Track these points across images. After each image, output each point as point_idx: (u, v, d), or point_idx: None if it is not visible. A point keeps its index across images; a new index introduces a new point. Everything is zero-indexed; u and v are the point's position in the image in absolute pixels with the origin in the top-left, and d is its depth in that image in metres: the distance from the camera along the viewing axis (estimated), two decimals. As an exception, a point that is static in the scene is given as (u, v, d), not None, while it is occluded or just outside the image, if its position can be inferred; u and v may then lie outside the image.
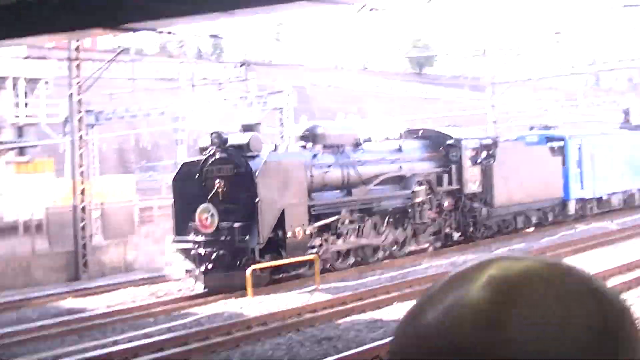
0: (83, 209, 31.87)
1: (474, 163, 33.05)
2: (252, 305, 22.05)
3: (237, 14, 15.36)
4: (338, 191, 27.49)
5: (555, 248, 31.06)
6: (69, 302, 24.50)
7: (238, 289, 23.15)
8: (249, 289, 22.77)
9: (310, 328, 19.32)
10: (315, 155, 26.78)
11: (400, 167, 29.94)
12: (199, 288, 24.52)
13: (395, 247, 29.67)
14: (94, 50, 55.40)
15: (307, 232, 25.51)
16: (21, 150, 43.26)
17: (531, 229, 36.57)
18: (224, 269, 23.87)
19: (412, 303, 1.28)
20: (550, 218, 38.33)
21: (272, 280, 24.79)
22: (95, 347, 18.15)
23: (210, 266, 24.12)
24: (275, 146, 26.69)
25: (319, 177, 26.53)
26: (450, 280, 1.24)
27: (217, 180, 24.63)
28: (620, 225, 37.75)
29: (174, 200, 25.92)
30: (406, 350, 1.22)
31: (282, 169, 25.10)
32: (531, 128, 44.30)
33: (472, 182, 32.85)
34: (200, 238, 24.47)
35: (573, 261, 26.68)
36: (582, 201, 40.87)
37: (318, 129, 27.96)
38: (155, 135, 63.15)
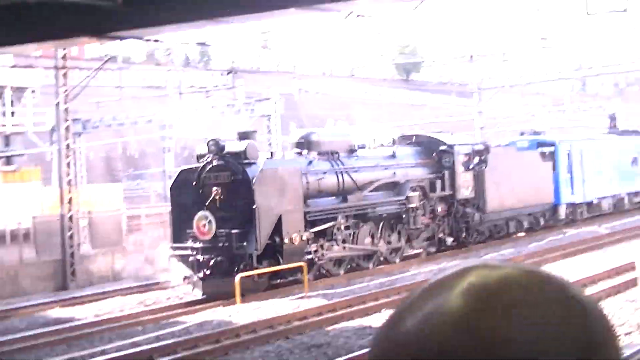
0: (70, 217, 31.78)
1: (467, 169, 33.29)
2: (241, 313, 22.01)
3: (223, 21, 15.37)
4: (333, 197, 27.71)
5: (543, 253, 31.11)
6: (57, 312, 24.41)
7: (233, 296, 23.24)
8: (238, 297, 22.78)
9: (299, 335, 19.31)
10: (310, 162, 27.05)
11: (394, 173, 30.22)
12: (198, 294, 24.63)
13: (390, 253, 29.82)
14: (81, 59, 55.31)
15: (304, 238, 25.73)
16: (8, 159, 43.13)
17: (522, 234, 36.69)
18: (222, 275, 24.03)
19: (400, 310, 1.27)
20: (542, 223, 38.59)
21: (270, 286, 25.02)
22: (83, 357, 18.10)
23: (208, 272, 24.29)
24: (271, 153, 27.10)
25: (314, 183, 26.78)
26: (429, 287, 1.24)
27: (215, 188, 24.88)
28: (610, 229, 37.89)
29: (172, 207, 26.24)
30: (386, 357, 1.22)
31: (279, 176, 25.37)
32: (522, 134, 44.66)
33: (465, 187, 33.10)
34: (198, 245, 24.72)
35: (562, 266, 26.78)
36: (572, 206, 41.16)
37: (313, 136, 28.27)
38: (142, 143, 63.06)
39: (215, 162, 25.12)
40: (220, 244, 24.38)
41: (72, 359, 17.95)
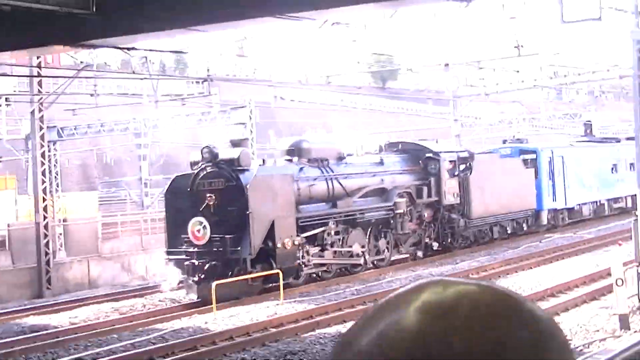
0: (46, 225, 31.68)
1: (452, 175, 33.87)
2: (218, 320, 22.01)
3: (198, 30, 15.39)
4: (324, 203, 28.24)
5: (517, 260, 31.22)
6: (32, 319, 24.30)
7: (230, 299, 23.88)
8: (214, 304, 22.81)
9: (275, 342, 19.32)
10: (301, 169, 27.59)
11: (382, 180, 30.82)
12: (192, 298, 24.93)
13: (377, 258, 30.32)
14: (57, 67, 55.09)
15: (296, 242, 26.22)
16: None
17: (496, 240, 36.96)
18: (216, 279, 24.18)
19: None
20: (525, 228, 39.10)
21: (263, 290, 25.39)
22: (58, 365, 18.02)
23: (202, 276, 24.63)
24: (263, 160, 27.56)
25: (305, 190, 27.36)
26: (385, 304, 1.25)
27: (209, 194, 25.39)
28: (587, 235, 38.15)
29: (166, 213, 26.78)
30: None
31: (272, 182, 25.92)
32: (504, 141, 45.23)
33: (450, 194, 33.64)
34: (192, 249, 25.15)
35: (537, 273, 26.87)
36: (554, 212, 41.76)
37: (303, 143, 28.70)
38: (118, 150, 62.92)
39: (209, 169, 25.66)
40: (215, 249, 24.89)
41: (47, 367, 17.87)
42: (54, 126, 38.65)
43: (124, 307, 25.12)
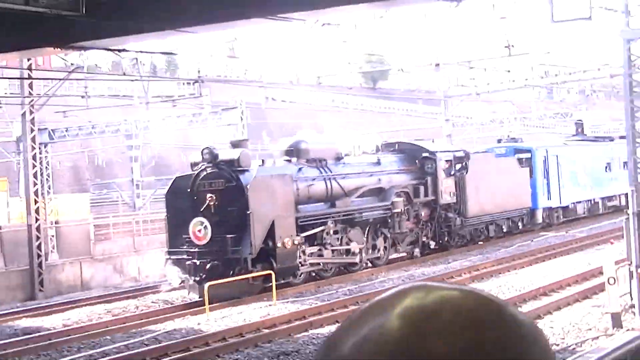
0: (38, 227, 31.64)
1: (448, 175, 34.18)
2: (210, 321, 22.01)
3: (187, 31, 15.39)
4: (322, 203, 28.52)
5: (510, 260, 31.26)
6: (25, 321, 24.27)
7: (230, 298, 24.17)
8: (207, 305, 22.83)
9: (268, 343, 19.32)
10: (300, 169, 27.85)
11: (379, 180, 31.12)
12: (194, 297, 25.04)
13: (374, 256, 30.62)
14: (47, 69, 55.03)
15: (296, 242, 26.47)
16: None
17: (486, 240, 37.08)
18: (217, 278, 24.41)
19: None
20: (520, 226, 39.42)
21: (263, 289, 25.48)
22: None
23: (204, 276, 24.80)
24: (263, 161, 27.78)
25: (304, 190, 27.63)
26: (368, 309, 1.26)
27: (209, 194, 25.63)
28: (580, 234, 38.31)
29: (167, 214, 26.96)
30: None
31: (271, 182, 26.19)
32: (499, 140, 45.49)
33: (447, 193, 33.95)
34: (194, 249, 25.43)
35: (530, 272, 26.88)
36: (549, 210, 42.10)
37: (302, 144, 28.88)
38: (110, 152, 62.83)
39: (209, 170, 25.91)
40: (216, 248, 25.20)
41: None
42: (45, 128, 38.59)
43: (116, 309, 25.11)
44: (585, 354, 15.93)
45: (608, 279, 18.78)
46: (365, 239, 29.87)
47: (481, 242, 36.19)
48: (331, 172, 28.95)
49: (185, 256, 25.51)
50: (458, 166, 34.76)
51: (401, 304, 1.23)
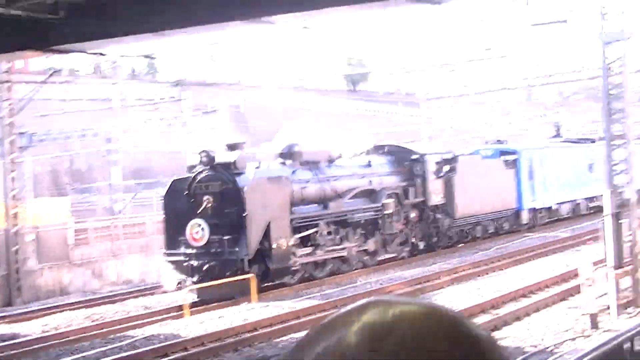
0: (16, 232, 31.49)
1: (437, 177, 34.65)
2: (190, 326, 21.94)
3: (167, 34, 15.37)
4: (316, 205, 28.97)
5: (488, 262, 31.32)
6: (2, 328, 24.13)
7: (228, 298, 24.50)
8: (187, 310, 22.83)
9: (248, 347, 19.30)
10: (294, 172, 28.33)
11: (370, 182, 31.64)
12: (192, 298, 25.05)
13: (366, 257, 31.07)
14: (26, 72, 54.85)
15: (291, 243, 26.93)
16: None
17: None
18: (215, 279, 24.74)
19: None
20: (507, 227, 39.95)
21: (260, 289, 25.68)
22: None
23: (201, 277, 25.20)
24: (259, 163, 28.28)
25: (298, 192, 28.12)
26: (327, 324, 1.28)
27: (206, 196, 26.03)
28: (568, 232, 38.77)
29: (165, 216, 27.37)
30: None
31: (267, 185, 26.62)
32: (486, 142, 45.99)
33: (436, 194, 34.45)
34: (191, 251, 25.76)
35: (507, 274, 26.93)
36: (534, 211, 42.46)
37: (296, 147, 29.23)
38: (89, 156, 62.62)
39: (206, 172, 26.32)
40: (213, 250, 25.57)
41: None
42: (24, 132, 38.46)
43: (95, 314, 25.01)
44: (564, 354, 16.01)
45: (584, 281, 18.87)
46: (356, 239, 30.31)
47: (462, 245, 36.22)
48: (324, 175, 29.44)
49: (182, 257, 25.84)
50: (446, 168, 35.19)
51: (359, 320, 1.24)
